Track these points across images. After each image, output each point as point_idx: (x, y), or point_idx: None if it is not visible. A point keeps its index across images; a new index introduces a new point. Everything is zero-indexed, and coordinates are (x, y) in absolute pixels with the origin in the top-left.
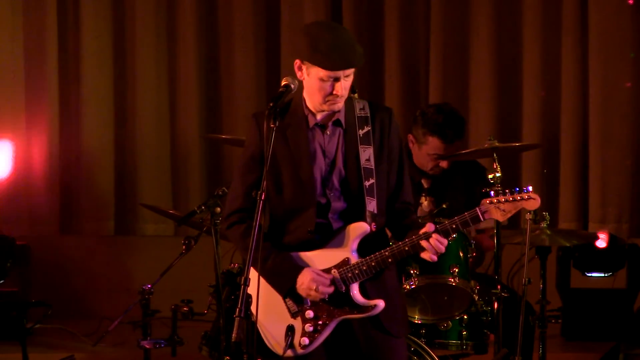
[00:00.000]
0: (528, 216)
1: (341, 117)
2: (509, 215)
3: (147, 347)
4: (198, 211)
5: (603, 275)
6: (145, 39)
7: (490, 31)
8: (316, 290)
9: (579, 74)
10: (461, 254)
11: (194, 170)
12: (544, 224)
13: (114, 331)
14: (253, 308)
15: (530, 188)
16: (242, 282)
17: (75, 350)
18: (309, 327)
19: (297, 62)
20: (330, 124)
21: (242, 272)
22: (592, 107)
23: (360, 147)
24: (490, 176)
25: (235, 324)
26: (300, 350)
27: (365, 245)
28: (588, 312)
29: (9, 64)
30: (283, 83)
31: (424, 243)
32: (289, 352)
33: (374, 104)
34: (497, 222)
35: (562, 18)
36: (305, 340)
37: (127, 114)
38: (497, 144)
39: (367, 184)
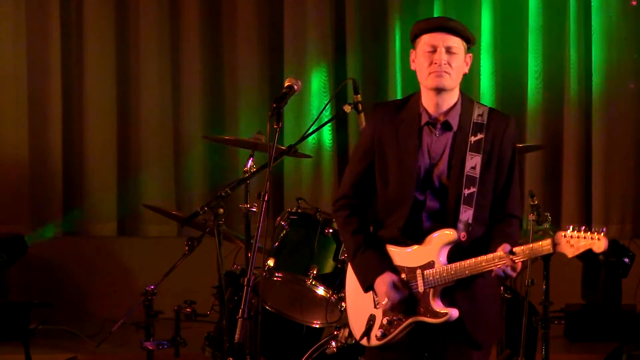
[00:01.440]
0: (531, 217)
1: (454, 119)
2: (577, 253)
3: (150, 348)
4: (201, 212)
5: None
6: (148, 41)
7: (493, 33)
8: (387, 301)
9: (582, 75)
10: None
11: (197, 171)
12: (546, 225)
13: (117, 332)
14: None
15: (604, 229)
16: (245, 282)
17: (78, 351)
18: (386, 320)
19: (412, 53)
20: (439, 125)
21: (245, 272)
22: (595, 108)
23: (468, 153)
24: None
25: (239, 325)
26: (374, 342)
27: (459, 253)
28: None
29: (12, 66)
30: (286, 84)
31: (496, 262)
32: (365, 341)
33: (495, 112)
34: None
35: (566, 19)
36: (380, 332)
37: (130, 115)
38: None
39: (466, 192)
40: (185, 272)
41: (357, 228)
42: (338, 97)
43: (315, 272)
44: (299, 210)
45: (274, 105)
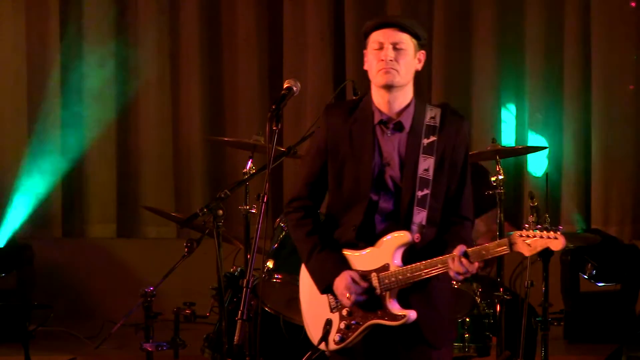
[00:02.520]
0: (531, 218)
1: (407, 120)
2: (535, 252)
3: (150, 349)
4: (200, 214)
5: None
6: (148, 43)
7: (493, 35)
8: (348, 298)
9: (581, 77)
10: None
11: (197, 173)
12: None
13: (116, 334)
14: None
15: (561, 227)
16: (245, 284)
17: (77, 352)
18: (343, 325)
19: (364, 53)
20: (392, 125)
21: (244, 274)
22: (594, 109)
23: (421, 155)
24: (492, 179)
25: (238, 326)
26: (333, 346)
27: (413, 255)
28: (592, 314)
29: (11, 69)
30: (285, 86)
31: (449, 264)
32: (323, 345)
33: (447, 113)
34: (500, 225)
35: (565, 21)
36: (338, 337)
37: (130, 118)
38: (499, 147)
39: (420, 194)
40: (184, 274)
41: (311, 230)
42: (337, 98)
43: None
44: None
45: (273, 107)
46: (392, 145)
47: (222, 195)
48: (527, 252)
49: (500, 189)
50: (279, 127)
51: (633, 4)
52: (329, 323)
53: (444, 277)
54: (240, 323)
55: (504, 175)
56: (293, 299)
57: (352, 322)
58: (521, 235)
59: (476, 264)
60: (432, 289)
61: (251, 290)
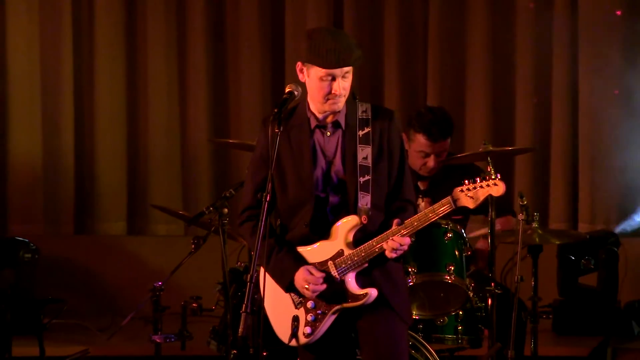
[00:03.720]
0: (520, 217)
1: (341, 118)
2: (478, 202)
3: (158, 341)
4: (206, 212)
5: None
6: (156, 49)
7: (485, 41)
8: (307, 288)
9: (569, 82)
10: (457, 253)
11: (203, 173)
12: (535, 224)
13: (126, 326)
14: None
15: (499, 176)
16: (249, 279)
17: (89, 344)
18: (310, 317)
19: (299, 64)
20: (330, 125)
21: (248, 269)
22: (581, 113)
23: (358, 146)
24: None
25: (242, 319)
26: (304, 339)
27: (365, 238)
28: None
29: (25, 73)
30: (287, 90)
31: (384, 244)
32: (294, 342)
33: (376, 107)
34: (492, 224)
35: (554, 29)
36: (308, 330)
37: (139, 120)
38: (491, 148)
39: (361, 180)
40: (191, 269)
41: (266, 233)
42: None
43: None
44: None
45: (275, 110)
46: (333, 144)
47: (227, 195)
48: (472, 205)
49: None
50: (281, 129)
51: (619, 13)
52: (295, 319)
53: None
54: (244, 316)
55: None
56: None
57: (318, 312)
58: (462, 190)
59: (407, 239)
60: (390, 267)
61: (255, 285)
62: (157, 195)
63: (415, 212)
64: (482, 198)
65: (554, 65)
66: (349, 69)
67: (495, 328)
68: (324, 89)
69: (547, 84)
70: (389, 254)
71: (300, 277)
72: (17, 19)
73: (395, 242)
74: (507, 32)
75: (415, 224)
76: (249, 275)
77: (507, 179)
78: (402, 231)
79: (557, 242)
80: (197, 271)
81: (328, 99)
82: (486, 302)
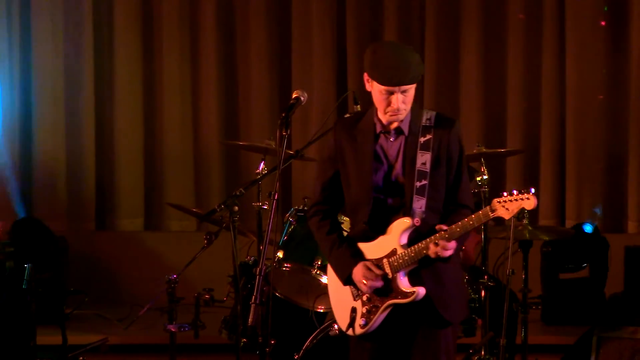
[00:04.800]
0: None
1: (405, 125)
2: (512, 214)
3: (173, 330)
4: (218, 209)
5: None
6: (171, 56)
7: (479, 49)
8: (365, 284)
9: (557, 88)
10: None
11: (215, 173)
12: (525, 221)
13: (143, 316)
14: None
15: (532, 190)
16: (257, 272)
17: (108, 333)
18: (365, 310)
19: (365, 75)
20: (393, 131)
21: (257, 263)
22: (568, 117)
23: (418, 152)
24: (478, 178)
25: (251, 310)
26: (359, 330)
27: (418, 239)
28: (567, 299)
29: (50, 79)
30: (294, 95)
31: (431, 248)
32: (351, 331)
33: (441, 116)
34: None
35: (543, 38)
36: (362, 321)
37: (155, 123)
38: (484, 149)
39: (418, 184)
40: (204, 263)
41: (330, 229)
42: (340, 107)
43: (319, 262)
44: (305, 208)
45: (283, 115)
46: (395, 148)
47: (238, 193)
48: (506, 216)
49: (485, 188)
50: (288, 132)
51: (603, 23)
52: (354, 310)
53: (453, 258)
54: (254, 307)
55: (488, 175)
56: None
57: (372, 306)
58: (499, 202)
59: (452, 243)
60: (439, 268)
61: (263, 278)
62: (172, 193)
63: (465, 215)
64: (516, 210)
65: (542, 73)
66: (407, 87)
67: (488, 318)
68: (384, 102)
69: (536, 90)
70: (433, 256)
71: (359, 272)
72: (42, 28)
73: (438, 247)
74: (499, 41)
75: (458, 230)
76: (257, 269)
77: (499, 179)
78: (445, 236)
79: (546, 238)
80: (209, 265)
81: (387, 112)
82: (480, 294)
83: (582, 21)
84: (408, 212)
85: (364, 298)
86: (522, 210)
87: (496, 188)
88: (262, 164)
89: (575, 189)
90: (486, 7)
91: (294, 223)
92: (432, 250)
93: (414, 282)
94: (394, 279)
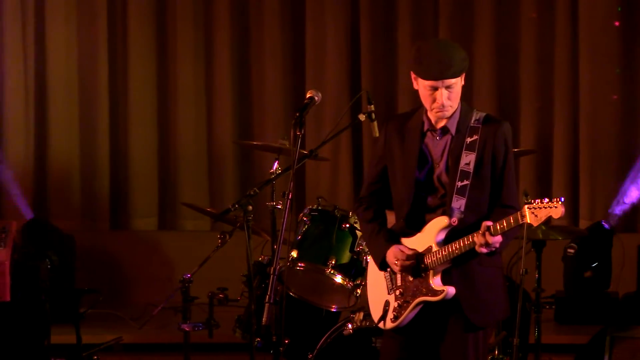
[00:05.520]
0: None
1: (453, 124)
2: (540, 221)
3: (187, 329)
4: (232, 209)
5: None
6: (185, 57)
7: (492, 49)
8: (397, 264)
9: (570, 87)
10: None
11: (229, 173)
12: None
13: (157, 316)
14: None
15: (562, 199)
16: (271, 272)
17: (123, 332)
18: (396, 304)
19: (412, 73)
20: (439, 130)
21: (271, 263)
22: (582, 117)
23: (464, 152)
24: None
25: (265, 309)
26: (390, 324)
27: (454, 238)
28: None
29: (64, 81)
30: (308, 95)
31: (475, 238)
32: (382, 324)
33: (490, 117)
34: None
35: (556, 38)
36: (392, 315)
37: (170, 123)
38: None
39: (459, 184)
40: (218, 262)
41: (372, 217)
42: (353, 107)
43: (333, 262)
44: (319, 207)
45: (297, 114)
46: (441, 147)
47: (252, 193)
48: (535, 223)
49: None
50: (302, 132)
51: (617, 23)
52: (387, 304)
53: (487, 262)
54: (268, 306)
55: None
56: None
57: (404, 301)
58: (529, 208)
59: (497, 237)
60: (472, 271)
61: (277, 277)
62: (186, 193)
63: (510, 216)
64: (543, 218)
65: (555, 73)
66: (451, 81)
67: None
68: (429, 98)
69: (549, 89)
70: (478, 248)
71: (392, 254)
72: (56, 29)
73: (483, 238)
74: (512, 40)
75: (499, 227)
76: (271, 268)
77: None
78: (486, 233)
79: (559, 238)
80: (223, 264)
81: (433, 108)
82: None
83: (596, 21)
84: (447, 211)
85: (397, 292)
86: (550, 218)
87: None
88: (276, 163)
89: (588, 189)
90: (499, 7)
91: (308, 222)
92: (478, 241)
93: (445, 282)
94: (427, 276)
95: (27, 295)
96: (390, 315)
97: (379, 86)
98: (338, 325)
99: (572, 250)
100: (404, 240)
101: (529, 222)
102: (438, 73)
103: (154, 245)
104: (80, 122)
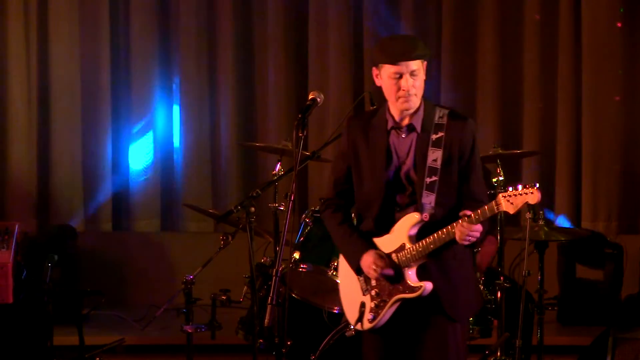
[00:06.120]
0: (527, 215)
1: (418, 122)
2: (517, 208)
3: (190, 331)
4: (235, 210)
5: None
6: (188, 58)
7: (495, 50)
8: (375, 270)
9: (573, 88)
10: None
11: (232, 174)
12: (541, 222)
13: (160, 317)
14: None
15: (537, 184)
16: (274, 273)
17: (125, 333)
18: (373, 304)
19: (374, 70)
20: (405, 127)
21: (274, 264)
22: (584, 118)
23: (430, 149)
24: (494, 180)
25: (268, 310)
26: (368, 325)
27: (427, 234)
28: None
29: (67, 82)
30: (310, 97)
31: (456, 228)
32: (359, 326)
33: (454, 113)
34: (500, 222)
35: (559, 39)
36: (371, 316)
37: (173, 126)
38: (500, 151)
39: (428, 180)
40: (220, 264)
41: (341, 220)
42: (356, 109)
43: (336, 264)
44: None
45: (300, 116)
46: (407, 145)
47: (254, 194)
48: (511, 210)
49: (501, 189)
50: (305, 133)
51: (619, 24)
52: (363, 305)
53: (461, 256)
54: (270, 307)
55: (504, 176)
56: (317, 287)
57: (380, 300)
58: (504, 196)
59: (478, 226)
60: (448, 266)
61: (280, 279)
62: (189, 194)
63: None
64: (520, 205)
65: (558, 73)
66: (416, 67)
67: (504, 319)
68: (394, 87)
69: (552, 90)
70: (460, 239)
71: (369, 260)
72: (59, 31)
73: (464, 228)
74: (515, 41)
75: (474, 217)
76: (274, 270)
77: (515, 180)
78: (465, 220)
79: (562, 239)
80: (226, 266)
81: (399, 97)
82: (495, 295)
83: (598, 22)
84: (418, 207)
85: (373, 293)
86: (528, 205)
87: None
88: (278, 165)
89: (591, 190)
90: (502, 8)
91: (311, 224)
92: (459, 230)
93: (422, 278)
94: (402, 273)
95: (29, 296)
96: (367, 316)
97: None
98: (340, 326)
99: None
100: (376, 241)
101: (504, 210)
102: (403, 55)
103: (156, 247)
104: (83, 124)
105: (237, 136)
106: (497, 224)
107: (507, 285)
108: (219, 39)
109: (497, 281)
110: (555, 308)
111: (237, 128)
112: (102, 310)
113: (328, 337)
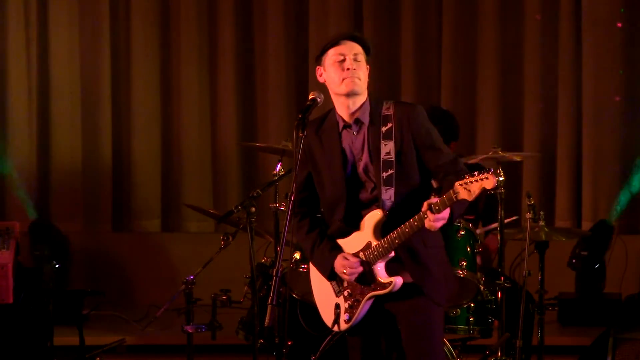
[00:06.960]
0: (528, 215)
1: (365, 116)
2: (475, 195)
3: (190, 331)
4: (235, 211)
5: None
6: (189, 58)
7: (495, 50)
8: (346, 273)
9: (573, 89)
10: (468, 249)
11: (232, 175)
12: (541, 222)
13: (160, 317)
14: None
15: (491, 170)
16: (274, 273)
17: (126, 334)
18: (347, 304)
19: (318, 68)
20: (354, 124)
21: (274, 264)
22: (585, 118)
23: (382, 142)
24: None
25: (268, 311)
26: (344, 325)
27: (391, 229)
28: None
29: (67, 80)
30: (310, 97)
31: (425, 221)
32: (336, 327)
33: (399, 103)
34: (501, 222)
35: (559, 39)
36: (346, 316)
37: (173, 125)
38: (500, 152)
39: (384, 175)
40: (221, 264)
41: (309, 228)
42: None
43: None
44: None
45: (300, 116)
46: (360, 142)
47: (255, 195)
48: (468, 197)
49: (501, 189)
50: (305, 133)
51: (619, 25)
52: (337, 307)
53: (432, 242)
54: (271, 308)
55: (504, 176)
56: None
57: (354, 299)
58: (461, 184)
59: (444, 213)
60: (419, 254)
61: (280, 279)
62: (189, 194)
63: (458, 179)
64: (477, 191)
65: (559, 73)
66: (359, 52)
67: (505, 319)
68: (338, 68)
69: (553, 91)
70: (429, 228)
71: (339, 264)
72: (59, 32)
73: (430, 219)
74: (516, 41)
75: (434, 209)
76: (274, 270)
77: (516, 180)
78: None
79: (562, 239)
80: (227, 266)
81: (344, 79)
82: (496, 295)
83: (599, 23)
84: (379, 204)
85: (345, 293)
86: (485, 190)
87: (512, 190)
88: (279, 165)
89: (591, 190)
90: (503, 8)
91: None
92: (427, 223)
93: (395, 272)
94: (372, 270)
95: (30, 296)
96: (343, 317)
97: (381, 88)
98: None
99: (585, 253)
100: (341, 242)
101: (463, 197)
102: (344, 35)
103: (157, 247)
104: (83, 124)
105: (238, 136)
106: (487, 214)
107: (508, 286)
108: (220, 39)
109: (498, 281)
110: (556, 308)
111: (238, 128)
112: (102, 311)
113: (328, 338)
